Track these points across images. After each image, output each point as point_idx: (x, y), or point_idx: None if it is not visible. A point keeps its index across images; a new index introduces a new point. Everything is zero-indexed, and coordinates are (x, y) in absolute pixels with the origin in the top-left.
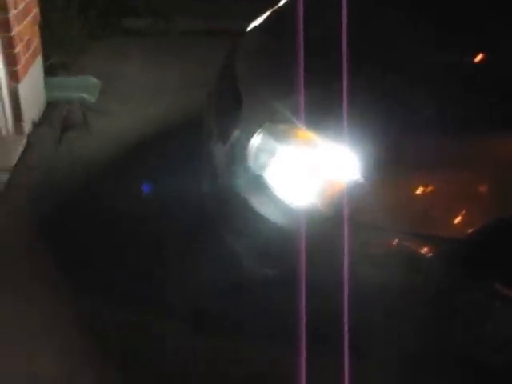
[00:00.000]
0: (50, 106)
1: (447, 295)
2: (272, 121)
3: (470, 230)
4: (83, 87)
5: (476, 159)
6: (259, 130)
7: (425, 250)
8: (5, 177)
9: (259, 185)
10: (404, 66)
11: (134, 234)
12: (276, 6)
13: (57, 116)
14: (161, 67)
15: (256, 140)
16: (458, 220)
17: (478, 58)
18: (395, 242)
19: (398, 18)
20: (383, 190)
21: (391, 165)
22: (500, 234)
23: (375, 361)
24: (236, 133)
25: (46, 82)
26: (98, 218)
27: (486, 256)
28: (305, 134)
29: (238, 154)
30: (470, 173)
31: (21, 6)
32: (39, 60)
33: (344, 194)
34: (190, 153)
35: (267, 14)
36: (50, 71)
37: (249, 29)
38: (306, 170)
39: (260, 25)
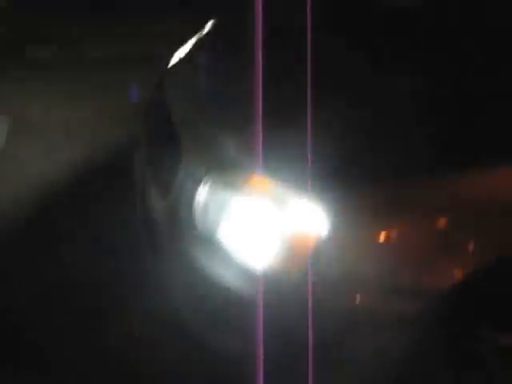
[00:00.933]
0: None
1: (435, 352)
2: (220, 167)
3: (453, 281)
4: None
5: (450, 203)
6: (205, 179)
7: (407, 306)
8: None
9: (211, 247)
10: (373, 101)
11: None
12: (208, 30)
13: None
14: (76, 101)
15: (202, 192)
16: (440, 272)
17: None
18: (373, 302)
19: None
20: (357, 244)
21: (366, 216)
22: (485, 281)
23: None
24: (177, 184)
25: None
26: None
27: (473, 306)
28: (262, 182)
29: (182, 211)
30: (448, 219)
31: None
32: None
33: (312, 253)
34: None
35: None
36: None
37: (181, 55)
38: (265, 226)
39: (195, 46)
